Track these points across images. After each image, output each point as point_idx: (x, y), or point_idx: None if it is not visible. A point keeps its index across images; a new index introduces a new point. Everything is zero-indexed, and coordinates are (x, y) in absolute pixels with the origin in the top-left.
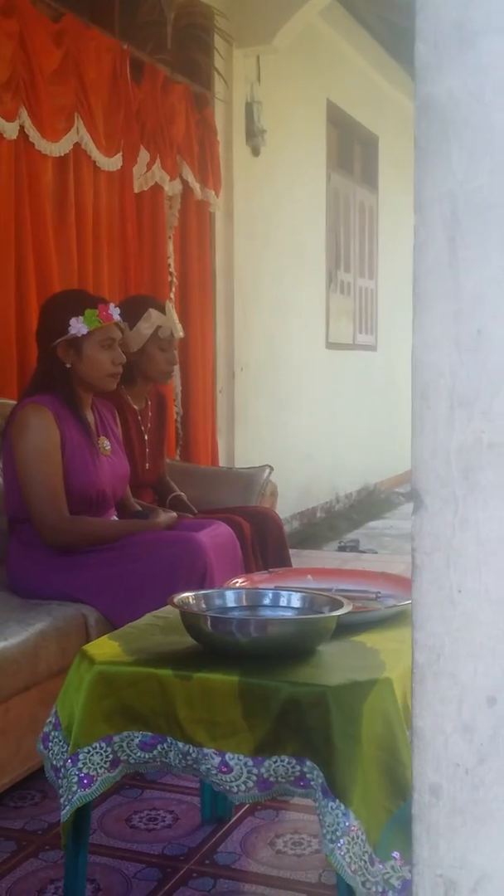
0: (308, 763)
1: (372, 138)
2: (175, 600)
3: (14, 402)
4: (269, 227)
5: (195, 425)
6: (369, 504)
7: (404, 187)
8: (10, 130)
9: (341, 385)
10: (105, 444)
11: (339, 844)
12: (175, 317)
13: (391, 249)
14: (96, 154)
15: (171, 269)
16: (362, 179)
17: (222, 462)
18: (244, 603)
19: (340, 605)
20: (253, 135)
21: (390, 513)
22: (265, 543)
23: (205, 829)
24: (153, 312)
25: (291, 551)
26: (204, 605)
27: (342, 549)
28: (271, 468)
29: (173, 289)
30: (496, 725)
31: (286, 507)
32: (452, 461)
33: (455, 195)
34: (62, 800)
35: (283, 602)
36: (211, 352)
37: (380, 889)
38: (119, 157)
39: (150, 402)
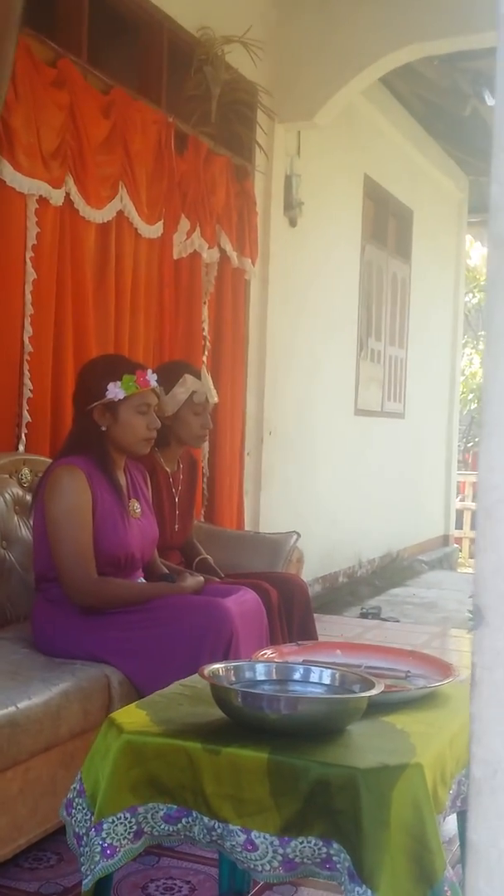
0: (335, 845)
1: (406, 212)
2: (205, 672)
3: (46, 459)
4: (303, 296)
5: (221, 487)
6: (392, 571)
7: (436, 259)
8: (57, 197)
9: (368, 451)
10: (135, 506)
11: None
12: (210, 382)
13: (422, 319)
14: (138, 222)
15: (205, 333)
16: (396, 251)
17: (247, 524)
18: (274, 677)
19: (371, 685)
20: (291, 206)
21: (413, 580)
22: (291, 610)
23: None
24: (189, 378)
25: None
26: (233, 678)
27: (364, 615)
28: (298, 535)
29: (206, 353)
30: None
31: (309, 571)
32: None
33: None
34: (84, 868)
35: (313, 678)
36: (240, 415)
37: None
38: (160, 224)
39: (181, 465)
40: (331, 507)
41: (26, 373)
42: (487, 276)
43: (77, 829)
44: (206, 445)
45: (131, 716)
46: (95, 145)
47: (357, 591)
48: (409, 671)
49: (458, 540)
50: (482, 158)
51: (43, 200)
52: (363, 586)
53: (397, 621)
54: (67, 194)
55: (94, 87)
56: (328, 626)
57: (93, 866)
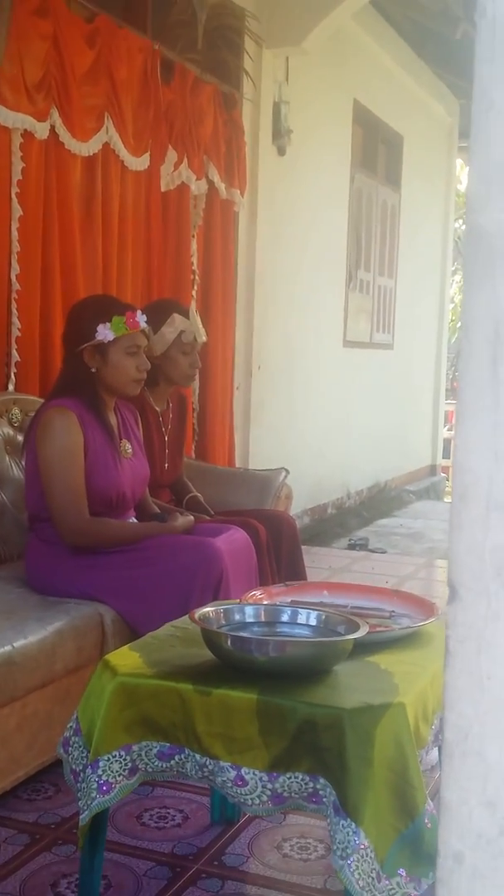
0: (321, 781)
1: (397, 138)
2: (196, 616)
3: (36, 399)
4: (291, 226)
5: (213, 423)
6: (380, 501)
7: (427, 186)
8: (42, 130)
9: (356, 383)
10: (127, 446)
11: (349, 862)
12: (199, 321)
13: (411, 248)
14: (124, 154)
15: (195, 267)
16: (386, 179)
17: (237, 459)
18: (263, 619)
19: (356, 626)
20: (279, 135)
21: (400, 511)
22: (279, 548)
23: (214, 830)
24: (177, 317)
25: (302, 547)
26: (223, 620)
27: (352, 546)
28: (287, 471)
29: (195, 287)
30: None
31: (298, 503)
32: (487, 559)
33: (498, 318)
34: (81, 803)
35: (300, 620)
36: (231, 351)
37: None
38: (147, 156)
39: (171, 404)
40: (319, 439)
41: (14, 311)
42: (465, 268)
43: (74, 766)
44: (196, 382)
45: (125, 658)
46: (80, 76)
47: (345, 523)
48: (393, 611)
49: (446, 469)
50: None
51: (27, 134)
52: (351, 517)
53: (384, 552)
54: (52, 127)
55: (78, 15)
56: (317, 559)
57: (89, 802)
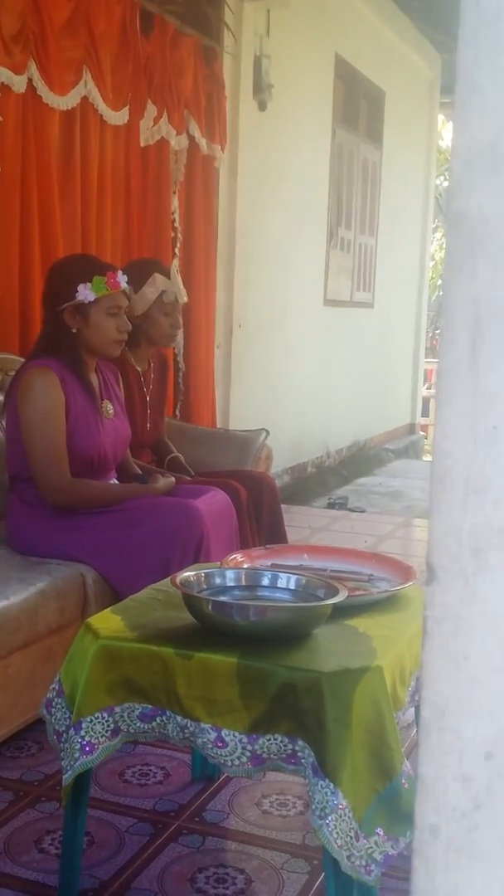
0: (300, 742)
1: (378, 93)
2: (177, 580)
3: (15, 357)
4: (272, 183)
5: (196, 381)
6: (359, 460)
7: (408, 142)
8: (19, 84)
9: (337, 342)
10: (108, 407)
11: (327, 821)
12: (179, 281)
13: (393, 206)
14: (103, 108)
15: (176, 224)
16: (367, 135)
17: (218, 418)
18: (243, 583)
19: (335, 591)
20: (260, 89)
21: (380, 469)
22: (260, 509)
23: (194, 787)
24: (158, 277)
25: (282, 507)
26: (204, 584)
27: (331, 505)
28: (267, 432)
29: (178, 244)
30: (491, 777)
31: (278, 462)
32: (464, 541)
33: (479, 303)
34: (64, 763)
35: (280, 584)
36: (213, 309)
37: (363, 863)
38: (126, 111)
39: (152, 364)
40: (300, 398)
41: None
42: (446, 253)
43: (57, 727)
44: (180, 341)
45: (107, 621)
46: (58, 28)
47: (325, 482)
48: (371, 574)
49: (425, 427)
50: (456, 38)
51: (5, 88)
52: (331, 476)
53: (363, 511)
54: (30, 80)
55: None
56: (297, 518)
57: (73, 762)
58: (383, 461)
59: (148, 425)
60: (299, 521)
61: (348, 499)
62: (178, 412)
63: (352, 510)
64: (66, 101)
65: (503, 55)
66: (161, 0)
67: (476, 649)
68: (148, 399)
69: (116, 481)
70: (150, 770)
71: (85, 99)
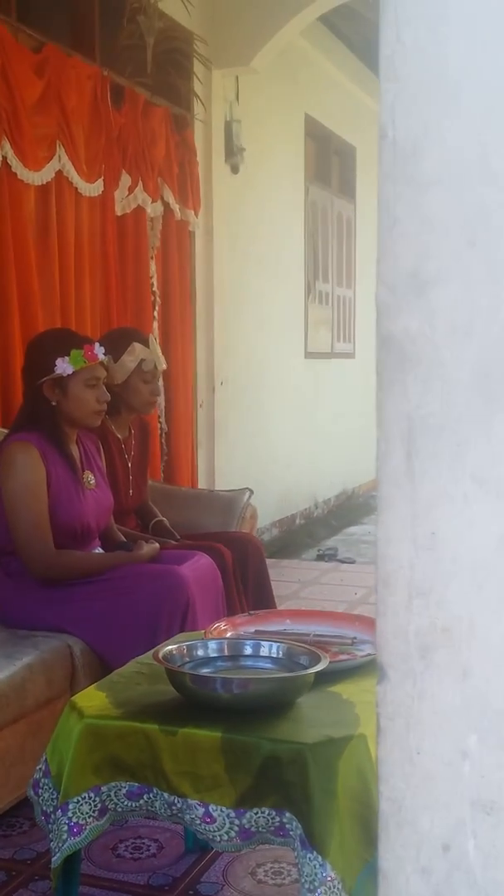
0: (287, 815)
1: (349, 149)
2: (159, 655)
3: None
4: (249, 242)
5: (176, 443)
6: (348, 509)
7: None
8: None
9: (320, 393)
10: (90, 478)
11: (317, 894)
12: (158, 349)
13: (369, 257)
14: (78, 180)
15: (154, 288)
16: (340, 190)
17: (203, 475)
18: (226, 653)
19: (318, 658)
20: (232, 153)
21: (368, 517)
22: (246, 570)
23: (188, 858)
24: (137, 346)
25: (271, 561)
26: (187, 657)
27: (321, 557)
28: (251, 491)
29: (157, 308)
30: (450, 869)
31: (266, 515)
32: (411, 641)
33: (411, 417)
34: (52, 845)
35: (263, 652)
36: (191, 370)
37: None
38: (100, 182)
39: (133, 431)
40: (286, 451)
41: None
42: (377, 371)
43: (45, 808)
44: (162, 404)
45: (91, 699)
46: (30, 106)
47: (314, 533)
48: (355, 637)
49: None
50: None
51: None
52: (320, 527)
53: (353, 562)
54: (4, 158)
55: (26, 45)
56: (286, 572)
57: (61, 844)
58: (372, 509)
59: (131, 491)
60: (288, 576)
61: (338, 549)
62: (162, 473)
63: (341, 561)
64: (40, 177)
65: (420, 189)
66: (131, 73)
67: (428, 744)
68: (130, 465)
69: (101, 550)
70: (144, 843)
71: (59, 173)
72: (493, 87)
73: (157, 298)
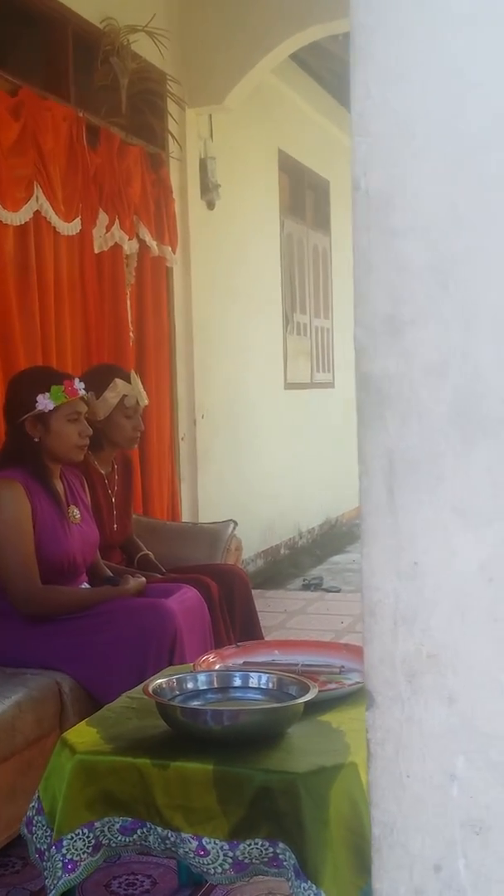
0: (281, 845)
1: (323, 183)
2: (149, 689)
3: None
4: (225, 277)
5: (152, 477)
6: (331, 538)
7: None
8: None
9: (301, 423)
10: (75, 512)
11: None
12: (140, 385)
13: (345, 288)
14: (56, 220)
15: (130, 324)
16: (315, 223)
17: (186, 508)
18: (215, 685)
19: (307, 688)
20: (207, 190)
21: (352, 546)
22: (232, 602)
23: (182, 893)
24: (119, 382)
25: (257, 592)
26: (176, 690)
27: (306, 587)
28: (235, 523)
29: (130, 344)
30: (442, 889)
31: (251, 547)
32: (398, 667)
33: (391, 451)
34: (47, 882)
35: (252, 683)
36: (167, 404)
37: None
38: (78, 221)
39: (116, 466)
40: (268, 482)
41: None
42: (358, 409)
43: (38, 845)
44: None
45: (82, 735)
46: (6, 148)
47: (299, 562)
48: (343, 665)
49: None
50: None
51: None
52: (305, 556)
53: (338, 591)
54: None
55: (2, 89)
56: (272, 603)
57: (56, 881)
58: (355, 537)
59: (115, 526)
60: (274, 606)
61: (323, 578)
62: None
63: (327, 590)
64: (18, 217)
65: (393, 237)
66: (106, 113)
67: (417, 768)
68: (113, 500)
69: (88, 585)
70: (137, 879)
71: (37, 213)
72: (457, 142)
73: (132, 334)
